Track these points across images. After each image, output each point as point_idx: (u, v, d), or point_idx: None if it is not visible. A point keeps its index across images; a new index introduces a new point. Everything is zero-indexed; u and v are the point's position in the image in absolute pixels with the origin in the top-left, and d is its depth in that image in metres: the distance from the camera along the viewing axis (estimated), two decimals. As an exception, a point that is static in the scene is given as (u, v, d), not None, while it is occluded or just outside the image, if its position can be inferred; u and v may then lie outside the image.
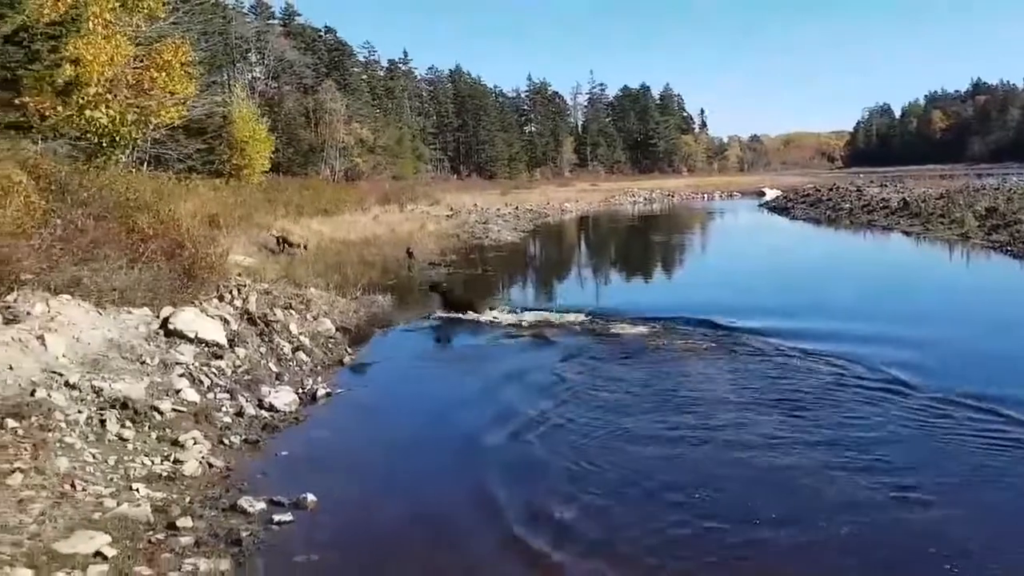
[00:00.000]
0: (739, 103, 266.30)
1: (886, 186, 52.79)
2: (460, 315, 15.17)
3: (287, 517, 6.20)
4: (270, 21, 69.83)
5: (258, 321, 11.25)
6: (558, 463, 7.55)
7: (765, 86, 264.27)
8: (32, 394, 7.07)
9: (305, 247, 20.66)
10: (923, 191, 41.52)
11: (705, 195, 79.72)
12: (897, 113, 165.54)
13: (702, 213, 57.27)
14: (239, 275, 13.71)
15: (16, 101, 14.56)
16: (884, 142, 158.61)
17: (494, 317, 15.13)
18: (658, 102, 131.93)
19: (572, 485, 7.00)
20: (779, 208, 52.09)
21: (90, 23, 16.78)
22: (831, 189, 53.66)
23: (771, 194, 65.62)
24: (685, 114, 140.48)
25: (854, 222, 38.09)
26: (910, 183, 53.27)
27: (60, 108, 15.03)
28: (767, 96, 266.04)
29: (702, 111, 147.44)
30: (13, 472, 5.92)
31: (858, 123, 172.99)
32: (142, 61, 20.25)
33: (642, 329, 13.42)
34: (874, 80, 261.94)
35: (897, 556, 5.75)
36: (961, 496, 6.62)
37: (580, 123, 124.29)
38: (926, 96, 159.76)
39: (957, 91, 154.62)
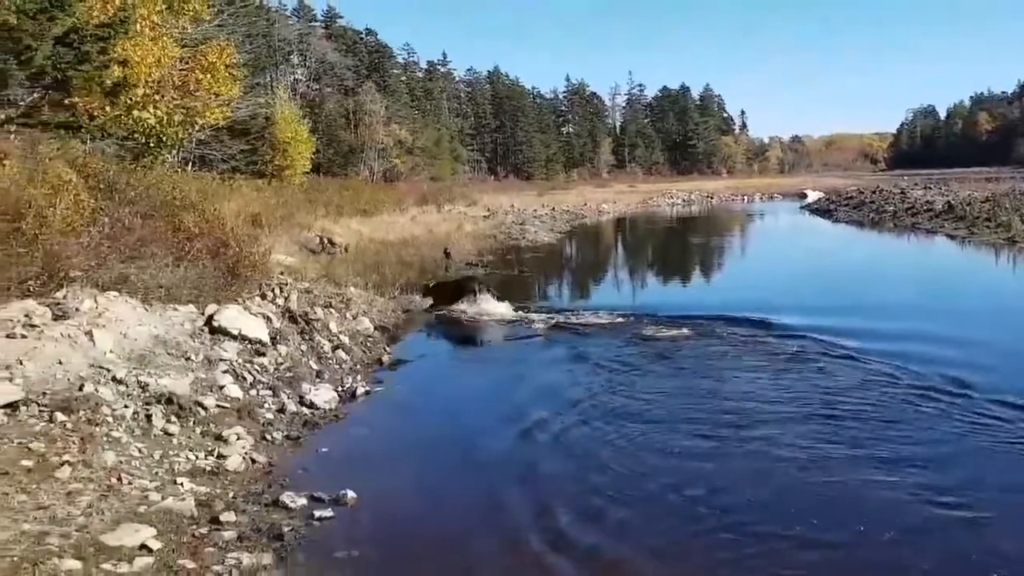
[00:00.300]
0: (780, 103, 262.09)
1: (930, 188, 51.66)
2: (495, 315, 15.21)
3: (328, 513, 6.26)
4: (312, 23, 70.68)
5: (299, 319, 11.37)
6: (589, 466, 7.55)
7: (806, 86, 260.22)
8: (80, 388, 7.21)
9: (346, 248, 20.89)
10: (968, 194, 40.59)
11: (745, 197, 78.84)
12: (942, 114, 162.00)
13: (742, 215, 56.67)
14: (281, 274, 13.87)
15: (66, 101, 14.87)
16: (928, 144, 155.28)
17: (530, 317, 15.13)
18: (698, 103, 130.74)
19: (604, 490, 6.98)
20: (821, 210, 51.37)
21: (138, 25, 17.10)
22: (874, 191, 52.70)
23: (813, 196, 64.68)
24: (725, 115, 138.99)
25: (898, 225, 37.45)
26: (955, 186, 52.11)
27: (108, 108, 15.34)
28: (808, 96, 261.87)
29: (742, 112, 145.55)
30: (62, 465, 6.05)
31: (902, 124, 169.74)
32: (187, 63, 20.60)
33: (678, 331, 13.37)
34: (918, 81, 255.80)
35: (942, 570, 5.61)
36: (1018, 509, 6.45)
37: (618, 124, 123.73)
38: (972, 97, 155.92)
39: (1004, 92, 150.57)
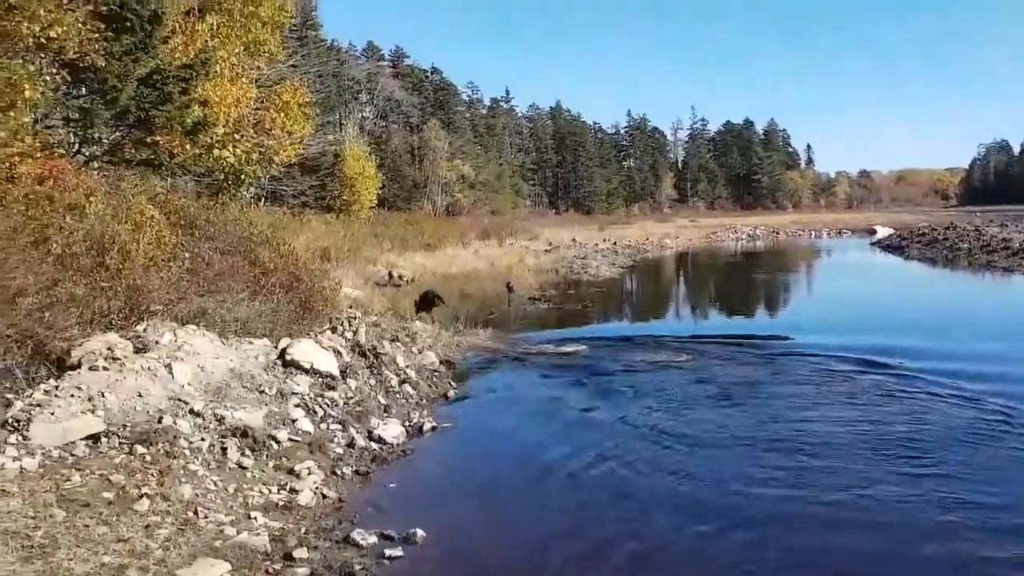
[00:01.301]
0: (847, 138, 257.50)
1: (1006, 226, 49.96)
2: (561, 348, 15.14)
3: (397, 552, 6.20)
4: (380, 63, 72.61)
5: (368, 353, 11.45)
6: (660, 507, 7.38)
7: (874, 120, 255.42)
8: (159, 421, 7.35)
9: (410, 281, 21.23)
10: (1047, 232, 39.25)
11: (812, 232, 77.29)
12: (1015, 149, 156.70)
13: (809, 250, 55.52)
14: (349, 307, 14.06)
15: (148, 140, 15.48)
16: (1002, 179, 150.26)
17: (593, 352, 15.02)
18: (762, 137, 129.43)
19: (675, 532, 6.84)
20: (892, 247, 50.06)
21: (218, 66, 17.78)
22: (947, 228, 51.11)
23: (883, 232, 63.01)
24: (790, 149, 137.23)
25: (972, 263, 36.38)
26: (1031, 222, 50.42)
27: (189, 147, 15.90)
28: (877, 131, 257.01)
29: (808, 146, 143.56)
30: (141, 497, 6.14)
31: (974, 160, 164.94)
32: (263, 102, 21.29)
33: (747, 370, 13.08)
34: (991, 115, 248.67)
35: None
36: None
37: (680, 158, 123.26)
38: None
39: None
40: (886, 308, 21.98)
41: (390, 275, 21.26)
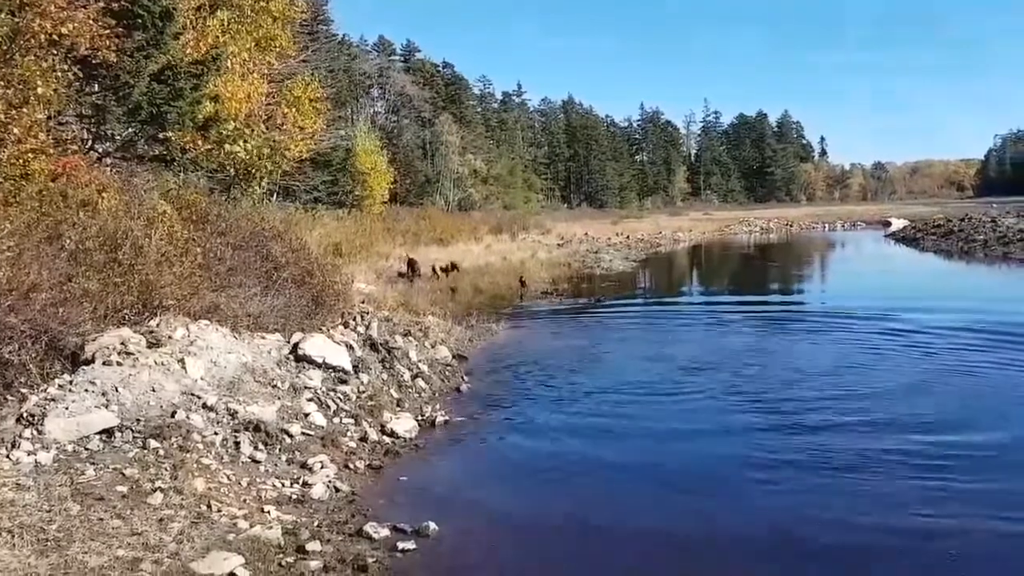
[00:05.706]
0: (862, 130, 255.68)
1: (1023, 216, 49.43)
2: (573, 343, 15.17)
3: (410, 545, 6.20)
4: (392, 57, 72.65)
5: (380, 348, 11.45)
6: (676, 499, 7.35)
7: (889, 111, 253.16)
8: (172, 415, 7.38)
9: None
10: (1066, 222, 38.88)
11: (826, 225, 76.87)
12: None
13: (823, 243, 55.16)
14: (362, 302, 14.07)
15: (160, 136, 15.52)
16: (1019, 170, 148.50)
17: (607, 344, 15.04)
18: (775, 129, 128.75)
19: (703, 538, 6.75)
20: (907, 239, 49.66)
21: (229, 62, 17.81)
22: (962, 220, 50.64)
23: (897, 224, 62.48)
24: (804, 141, 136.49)
25: (989, 255, 36.03)
26: (1048, 213, 49.85)
27: (201, 142, 15.93)
28: (891, 122, 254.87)
29: (822, 138, 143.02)
30: (154, 492, 6.18)
31: (990, 150, 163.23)
32: (274, 98, 21.34)
33: (762, 366, 13.03)
34: (1007, 105, 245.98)
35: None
36: None
37: (693, 152, 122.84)
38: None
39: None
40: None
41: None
